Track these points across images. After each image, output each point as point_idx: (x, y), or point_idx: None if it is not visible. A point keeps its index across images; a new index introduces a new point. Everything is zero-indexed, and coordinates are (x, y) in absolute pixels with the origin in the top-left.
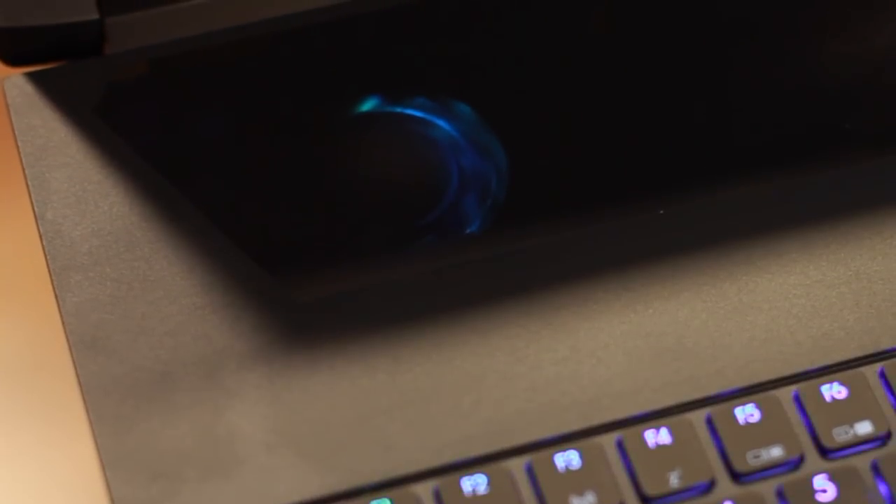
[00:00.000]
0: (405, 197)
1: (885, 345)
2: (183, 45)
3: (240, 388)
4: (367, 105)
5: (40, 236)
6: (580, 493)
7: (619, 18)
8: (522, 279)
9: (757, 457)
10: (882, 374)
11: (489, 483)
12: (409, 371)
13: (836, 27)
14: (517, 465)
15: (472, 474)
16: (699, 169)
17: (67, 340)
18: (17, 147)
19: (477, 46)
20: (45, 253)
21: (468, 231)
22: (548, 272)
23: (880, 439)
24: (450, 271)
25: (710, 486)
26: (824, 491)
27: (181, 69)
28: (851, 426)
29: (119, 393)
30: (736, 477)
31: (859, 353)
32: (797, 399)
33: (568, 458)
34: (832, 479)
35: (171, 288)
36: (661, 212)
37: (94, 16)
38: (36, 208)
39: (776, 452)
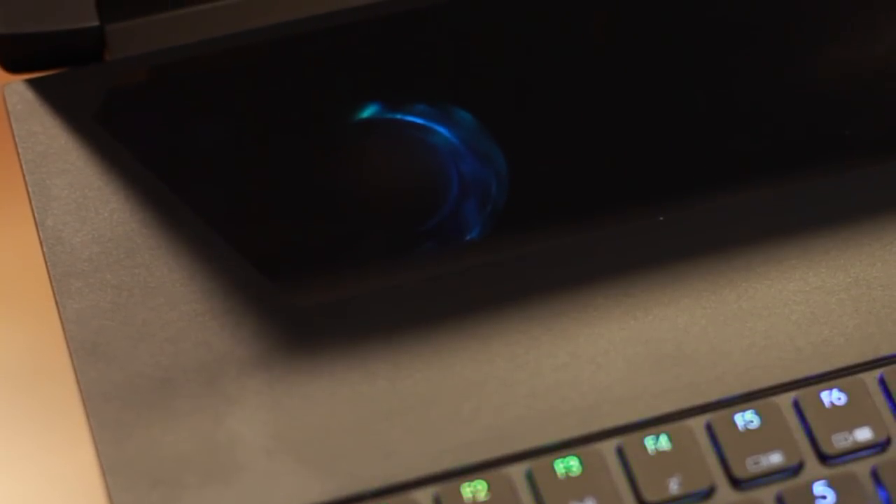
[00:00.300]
0: (405, 203)
1: (885, 351)
2: (183, 51)
3: (240, 395)
4: (368, 112)
5: (41, 243)
6: (580, 500)
7: (619, 25)
8: (522, 285)
9: (756, 463)
10: (881, 381)
11: (489, 489)
12: (410, 377)
13: (836, 34)
14: (517, 472)
15: (471, 480)
16: (699, 175)
17: (68, 347)
18: (18, 153)
19: (477, 53)
20: (45, 259)
21: (468, 237)
22: (547, 278)
23: (880, 446)
24: (450, 277)
25: (709, 493)
26: (824, 497)
27: (181, 76)
28: (851, 432)
29: (119, 399)
30: (735, 483)
31: (859, 360)
32: (797, 405)
33: (568, 465)
34: (832, 485)
35: (171, 294)
36: (661, 218)
37: (95, 22)
38: (36, 215)
39: (776, 459)
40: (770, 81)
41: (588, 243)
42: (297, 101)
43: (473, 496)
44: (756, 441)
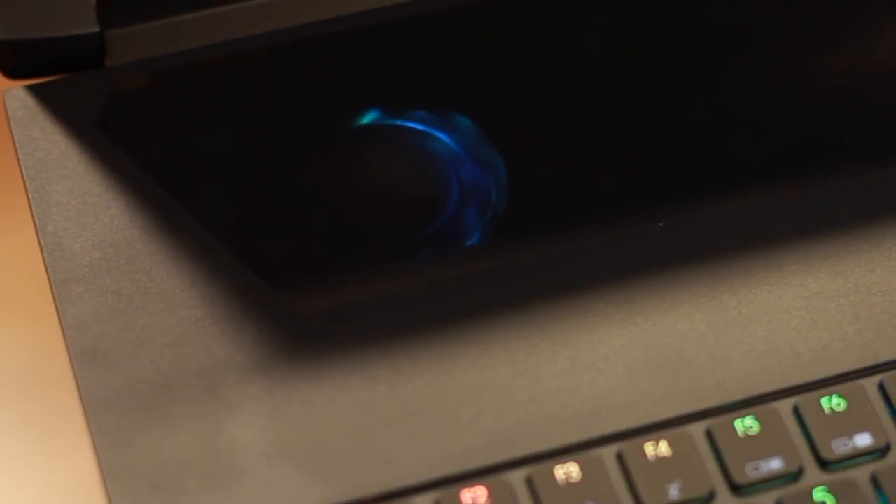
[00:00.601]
0: (406, 209)
1: (885, 357)
2: (184, 57)
3: (240, 400)
4: (368, 118)
5: (41, 249)
6: None
7: (619, 32)
8: (522, 291)
9: (756, 469)
10: (881, 387)
11: (489, 495)
12: (410, 383)
13: (836, 39)
14: (517, 478)
15: (471, 486)
16: (699, 181)
17: (68, 352)
18: (18, 159)
19: (477, 59)
20: (45, 265)
21: (468, 243)
22: (548, 284)
23: (879, 451)
24: (450, 283)
25: (709, 499)
26: (823, 503)
27: (182, 82)
28: (851, 438)
29: (120, 405)
30: (735, 489)
31: (858, 366)
32: (796, 411)
33: (568, 471)
34: (831, 491)
35: (171, 300)
36: (661, 224)
37: (95, 29)
38: (37, 221)
39: (775, 465)
40: (770, 87)
41: (588, 249)
42: (298, 106)
43: (473, 502)
44: (756, 447)
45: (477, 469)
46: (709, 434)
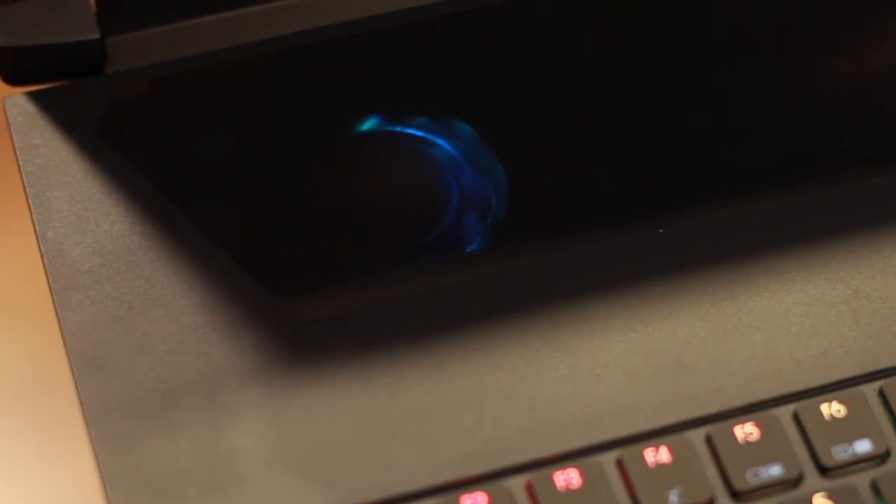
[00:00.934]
0: (406, 216)
1: (885, 363)
2: (184, 64)
3: (240, 407)
4: (368, 124)
5: (41, 255)
6: None
7: (618, 38)
8: (522, 298)
9: (756, 475)
10: (881, 393)
11: (489, 501)
12: (410, 389)
13: (835, 45)
14: (517, 484)
15: (472, 492)
16: (698, 187)
17: (68, 359)
18: (19, 166)
19: (477, 66)
20: (46, 271)
21: (468, 250)
22: (548, 291)
23: (879, 458)
24: (450, 290)
25: None
26: None
27: (182, 88)
28: (850, 445)
29: (120, 411)
30: (735, 495)
31: (858, 372)
32: (796, 417)
33: (568, 477)
34: (831, 497)
35: (171, 306)
36: (661, 230)
37: (96, 35)
38: (37, 227)
39: (775, 471)
40: (770, 94)
41: (588, 255)
42: (298, 113)
43: None
44: (756, 453)
45: (477, 475)
46: (709, 440)
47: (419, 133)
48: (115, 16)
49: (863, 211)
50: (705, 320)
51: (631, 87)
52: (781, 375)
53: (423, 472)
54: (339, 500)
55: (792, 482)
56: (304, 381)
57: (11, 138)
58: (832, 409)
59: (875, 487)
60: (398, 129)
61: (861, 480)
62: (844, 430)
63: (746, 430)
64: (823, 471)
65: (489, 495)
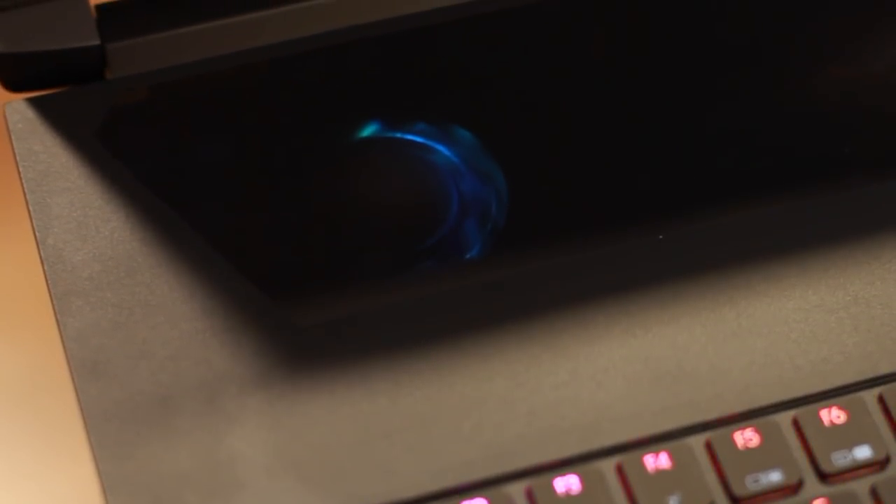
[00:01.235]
0: (405, 222)
1: (884, 369)
2: (184, 70)
3: (240, 413)
4: (368, 130)
5: (42, 261)
6: None
7: (619, 45)
8: (522, 304)
9: (756, 481)
10: (881, 399)
11: None
12: (410, 395)
13: (835, 52)
14: (517, 490)
15: (472, 498)
16: (698, 194)
17: (69, 365)
18: (19, 172)
19: (477, 72)
20: (46, 278)
21: (468, 256)
22: (547, 297)
23: (879, 464)
24: (450, 296)
25: None
26: None
27: (182, 94)
28: (850, 451)
29: (120, 417)
30: (735, 501)
31: (858, 378)
32: (796, 424)
33: (568, 483)
34: (831, 503)
35: (171, 313)
36: (661, 237)
37: (96, 41)
38: (37, 233)
39: (775, 477)
40: (769, 100)
41: (588, 261)
42: (298, 119)
43: None
44: (756, 459)
45: (477, 481)
46: (708, 446)
47: (419, 139)
48: (115, 22)
49: (862, 217)
50: (705, 326)
51: (631, 94)
52: (781, 381)
53: (424, 477)
54: None
55: (792, 488)
56: (304, 387)
57: (12, 144)
58: (832, 415)
59: (875, 493)
60: (398, 135)
61: (861, 487)
62: (844, 436)
63: (746, 436)
64: (823, 477)
65: (489, 501)
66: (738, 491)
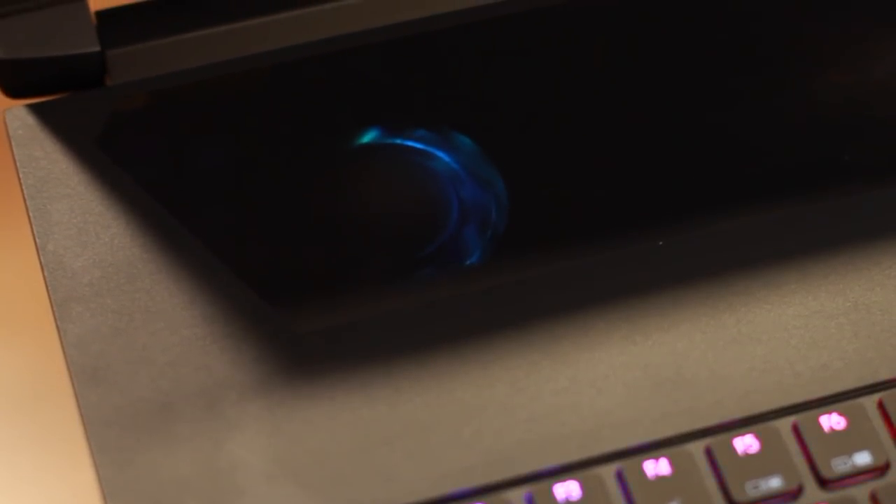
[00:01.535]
0: (406, 228)
1: (884, 375)
2: (184, 76)
3: (240, 419)
4: (368, 137)
5: (42, 267)
6: None
7: (618, 51)
8: (522, 310)
9: (756, 487)
10: (881, 405)
11: None
12: (410, 401)
13: (835, 58)
14: (517, 496)
15: None
16: (698, 200)
17: (69, 371)
18: (19, 178)
19: (477, 79)
20: (46, 284)
21: (468, 262)
22: (547, 303)
23: (879, 470)
24: (450, 302)
25: None
26: None
27: (182, 101)
28: (850, 457)
29: (120, 423)
30: None
31: (858, 384)
32: (796, 430)
33: (568, 489)
34: None
35: (171, 319)
36: (660, 243)
37: (96, 48)
38: (37, 239)
39: (775, 483)
40: (768, 106)
41: (587, 268)
42: (298, 125)
43: None
44: (755, 465)
45: (477, 487)
46: (708, 452)
47: (419, 146)
48: (115, 29)
49: (862, 223)
50: (705, 333)
51: (631, 101)
52: (781, 388)
53: (423, 484)
54: None
55: (791, 494)
56: (303, 394)
57: (12, 150)
58: (832, 421)
59: (875, 499)
60: (398, 141)
61: (860, 493)
62: (844, 442)
63: (746, 443)
64: (823, 483)
65: None
66: (737, 497)
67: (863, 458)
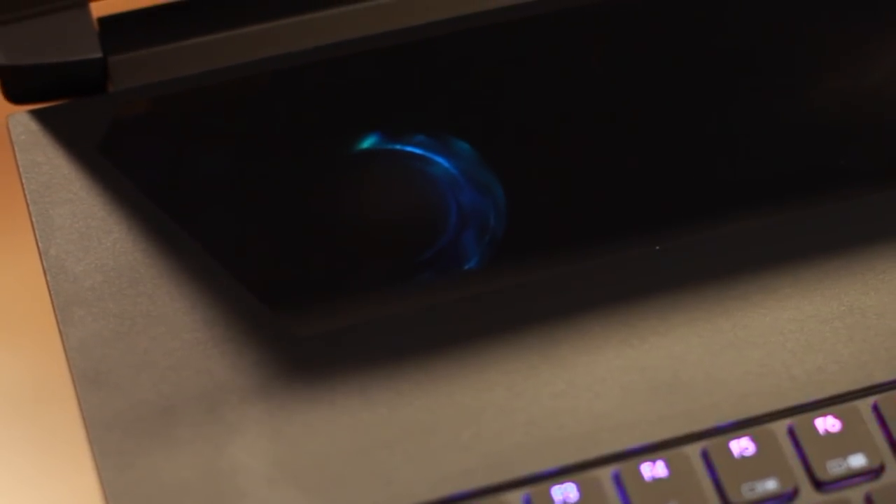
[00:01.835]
0: (404, 233)
1: (879, 378)
2: (186, 82)
3: (241, 423)
4: (367, 142)
5: (44, 272)
6: None
7: (616, 58)
8: (520, 314)
9: (752, 490)
10: (875, 408)
11: None
12: (409, 405)
13: (831, 64)
14: (515, 498)
15: None
16: (695, 205)
17: (71, 375)
18: (22, 183)
19: (475, 85)
20: (48, 288)
21: (467, 267)
22: (545, 307)
23: (874, 472)
24: (448, 307)
25: None
26: None
27: (184, 107)
28: (845, 459)
29: (122, 427)
30: None
31: (853, 387)
32: (791, 432)
33: (565, 491)
34: None
35: (173, 323)
36: (657, 248)
37: (98, 54)
38: (40, 244)
39: (771, 485)
40: (765, 112)
41: (585, 273)
42: (298, 131)
43: None
44: (751, 468)
45: (476, 490)
46: (705, 455)
47: (418, 151)
48: (117, 35)
49: (857, 228)
50: (701, 336)
51: (629, 106)
52: (777, 391)
53: (423, 486)
54: None
55: (787, 496)
56: (304, 397)
57: (15, 156)
58: (827, 423)
59: (870, 501)
60: (397, 146)
61: (856, 495)
62: (839, 444)
63: (742, 445)
64: (818, 485)
65: None
66: (733, 499)
67: (858, 461)
